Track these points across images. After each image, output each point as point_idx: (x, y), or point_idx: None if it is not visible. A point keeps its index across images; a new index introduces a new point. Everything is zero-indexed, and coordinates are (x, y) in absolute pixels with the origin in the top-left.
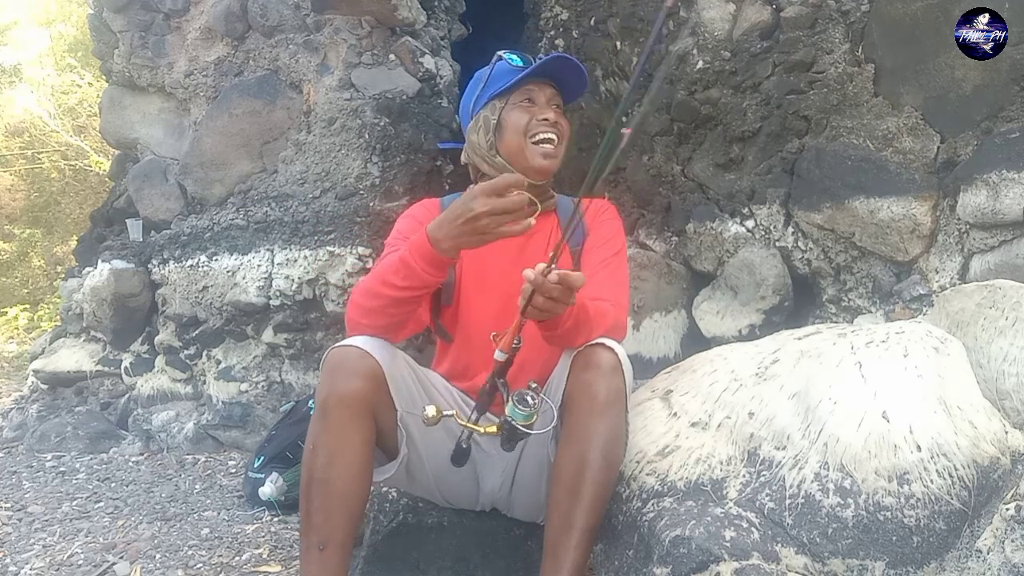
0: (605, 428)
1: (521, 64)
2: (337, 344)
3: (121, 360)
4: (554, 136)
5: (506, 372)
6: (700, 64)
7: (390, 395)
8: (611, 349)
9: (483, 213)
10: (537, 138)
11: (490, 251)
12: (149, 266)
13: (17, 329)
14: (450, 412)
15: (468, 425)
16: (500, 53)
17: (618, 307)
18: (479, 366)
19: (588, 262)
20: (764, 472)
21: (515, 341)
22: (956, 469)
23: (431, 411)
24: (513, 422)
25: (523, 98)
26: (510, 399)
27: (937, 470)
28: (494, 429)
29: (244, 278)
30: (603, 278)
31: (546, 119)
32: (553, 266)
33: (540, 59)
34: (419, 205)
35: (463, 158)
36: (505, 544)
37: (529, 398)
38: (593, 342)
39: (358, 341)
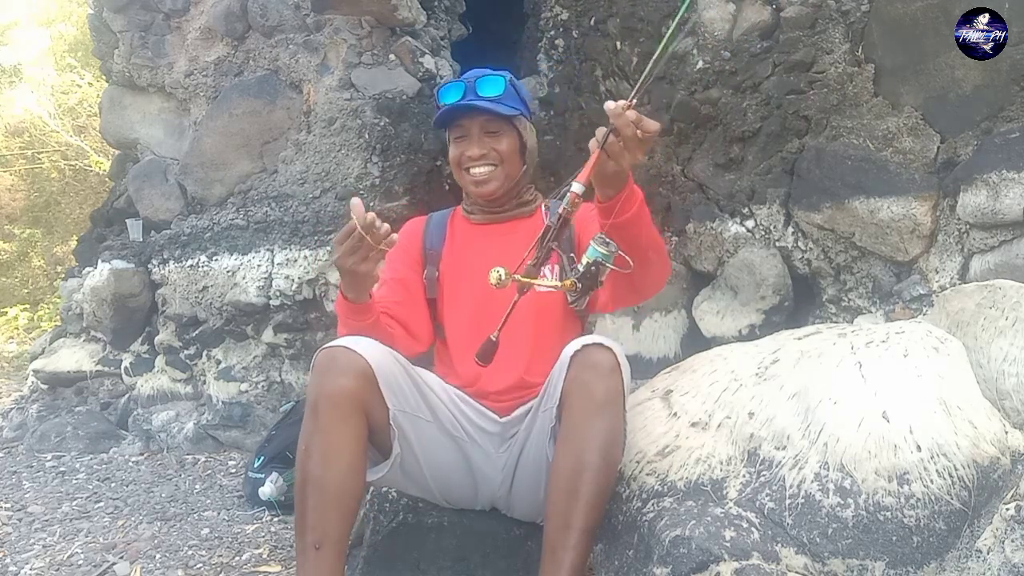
0: (603, 428)
1: (445, 102)
2: (326, 345)
3: (121, 360)
4: (484, 168)
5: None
6: (700, 64)
7: (381, 393)
8: (609, 348)
9: (337, 262)
10: (470, 171)
11: (468, 251)
12: (149, 266)
13: (17, 329)
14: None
15: (544, 284)
16: (434, 91)
17: None
18: (459, 363)
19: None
20: (764, 472)
21: (587, 180)
22: (956, 469)
23: (499, 273)
24: (600, 260)
25: (457, 134)
26: (592, 242)
27: (937, 470)
28: (569, 283)
29: (244, 278)
30: None
31: (471, 156)
32: (633, 101)
33: (470, 82)
34: (407, 225)
35: None
36: (505, 544)
37: (607, 239)
38: (590, 341)
39: (347, 341)
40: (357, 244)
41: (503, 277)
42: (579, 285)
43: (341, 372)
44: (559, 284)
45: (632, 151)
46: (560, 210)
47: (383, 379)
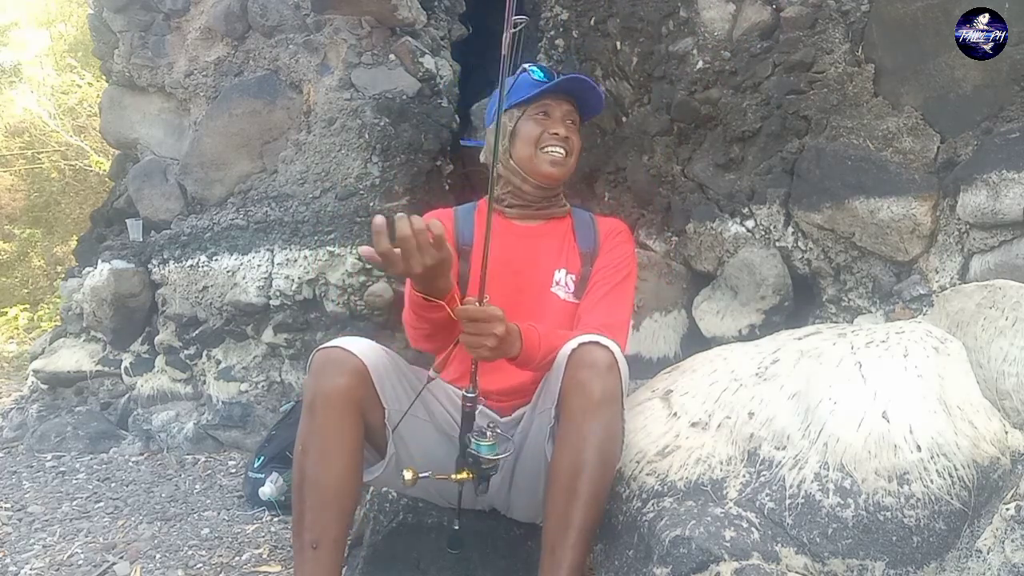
0: (601, 427)
1: (542, 79)
2: (322, 346)
3: (121, 360)
4: (562, 150)
5: (471, 418)
6: (700, 64)
7: (376, 393)
8: (607, 347)
9: (403, 273)
10: (546, 149)
11: (500, 248)
12: (149, 266)
13: (17, 329)
14: (425, 474)
15: (440, 477)
16: (524, 65)
17: (614, 331)
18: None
19: (595, 285)
20: (764, 472)
21: (469, 388)
22: (956, 469)
23: (407, 475)
24: (477, 454)
25: (539, 111)
26: (471, 437)
27: (937, 470)
28: (465, 474)
29: (244, 278)
30: (605, 304)
31: (556, 133)
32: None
33: (562, 76)
34: (435, 215)
35: (481, 157)
36: (505, 544)
37: (487, 430)
38: (587, 340)
39: (343, 342)
40: (412, 251)
41: (409, 477)
42: (473, 476)
43: (337, 372)
44: (455, 476)
45: (479, 333)
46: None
47: (378, 379)
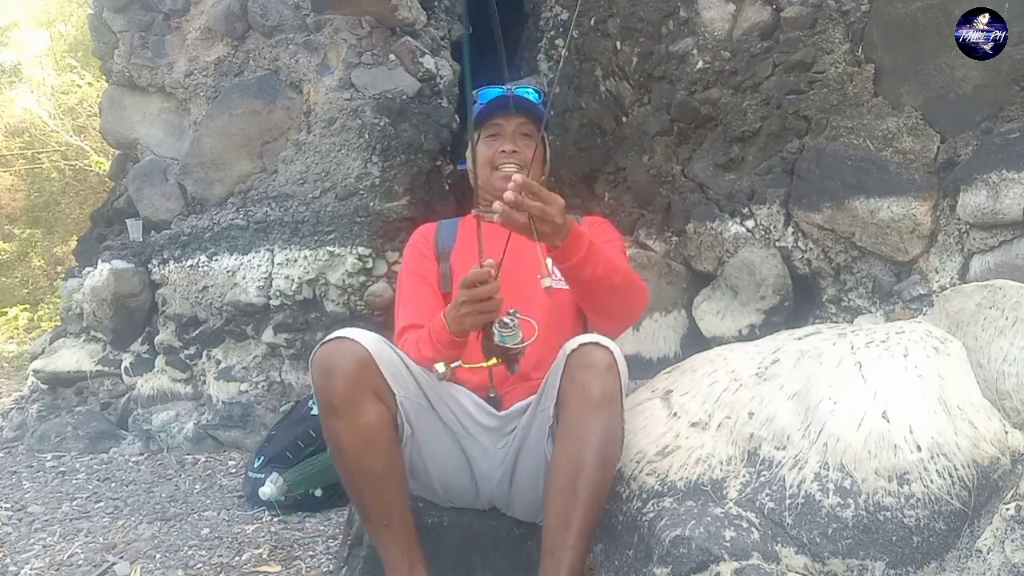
0: (600, 428)
1: (484, 100)
2: (323, 341)
3: (121, 360)
4: (514, 165)
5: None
6: (700, 64)
7: (386, 380)
8: (606, 348)
9: (462, 303)
10: (500, 167)
11: (488, 253)
12: (149, 266)
13: (17, 329)
14: (456, 363)
15: (469, 366)
16: (474, 92)
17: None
18: (465, 356)
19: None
20: (764, 472)
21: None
22: (956, 469)
23: (441, 368)
24: (503, 345)
25: (490, 132)
26: (495, 329)
27: (937, 470)
28: (494, 360)
29: (244, 278)
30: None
31: (504, 151)
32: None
33: (509, 89)
34: (417, 233)
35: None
36: (505, 544)
37: (508, 319)
38: (587, 340)
39: (344, 332)
40: (483, 297)
41: (443, 369)
42: (500, 361)
43: (346, 362)
44: (486, 364)
45: (544, 216)
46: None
47: (384, 367)
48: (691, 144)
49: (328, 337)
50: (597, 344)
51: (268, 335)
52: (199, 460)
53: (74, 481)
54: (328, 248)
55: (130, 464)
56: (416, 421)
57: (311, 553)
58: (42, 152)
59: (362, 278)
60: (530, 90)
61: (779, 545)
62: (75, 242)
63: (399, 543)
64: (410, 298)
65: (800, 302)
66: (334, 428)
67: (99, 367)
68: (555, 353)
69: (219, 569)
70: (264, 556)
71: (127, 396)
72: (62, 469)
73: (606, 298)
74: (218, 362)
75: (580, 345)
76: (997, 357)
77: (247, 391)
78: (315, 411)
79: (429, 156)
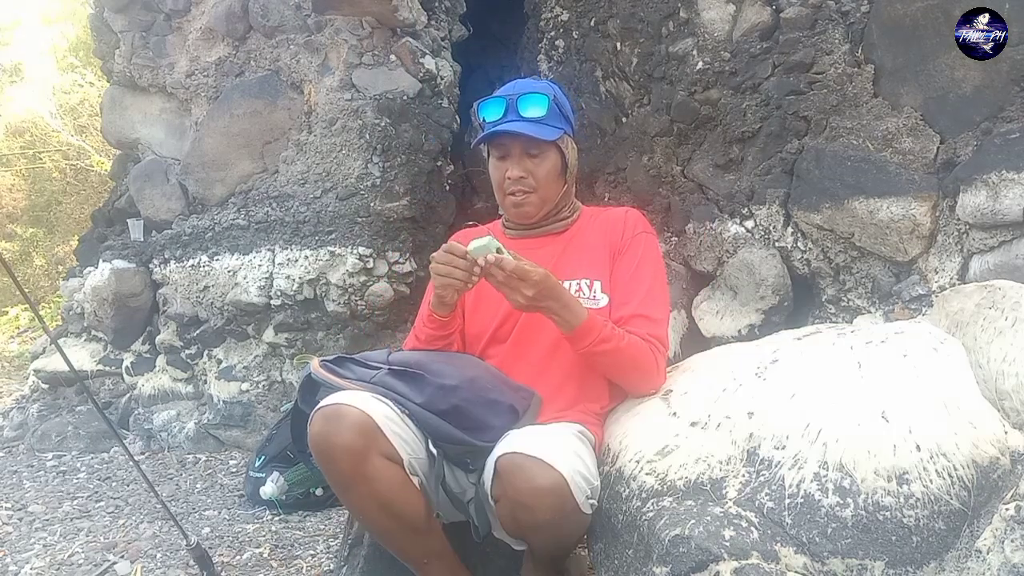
0: (552, 536)
1: (486, 119)
2: (320, 406)
3: (122, 360)
4: (522, 192)
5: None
6: (700, 64)
7: (391, 441)
8: (551, 466)
9: (433, 268)
10: (509, 193)
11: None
12: (150, 266)
13: (18, 329)
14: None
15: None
16: (475, 105)
17: (653, 323)
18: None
19: (620, 273)
20: (763, 472)
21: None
22: (956, 469)
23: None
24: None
25: (499, 154)
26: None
27: (936, 470)
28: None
29: (245, 278)
30: (637, 291)
31: (510, 177)
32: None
33: (511, 97)
34: (455, 236)
35: None
36: (505, 544)
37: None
38: (528, 453)
39: (339, 399)
40: (442, 272)
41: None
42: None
43: (347, 434)
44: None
45: (508, 295)
46: None
47: (388, 429)
48: (691, 144)
49: (323, 404)
50: (528, 457)
51: (269, 335)
52: (200, 459)
53: (75, 480)
54: (329, 248)
55: (131, 463)
56: (423, 471)
57: (312, 552)
58: (43, 152)
59: (363, 278)
60: (535, 96)
61: (778, 544)
62: (76, 242)
63: (448, 570)
64: (428, 296)
65: (800, 302)
66: (350, 501)
67: (100, 367)
68: (561, 376)
69: (220, 568)
70: (265, 555)
71: (128, 396)
72: (63, 468)
73: (613, 376)
74: (219, 362)
75: (511, 454)
76: (997, 357)
77: (248, 391)
78: None
79: (430, 156)
